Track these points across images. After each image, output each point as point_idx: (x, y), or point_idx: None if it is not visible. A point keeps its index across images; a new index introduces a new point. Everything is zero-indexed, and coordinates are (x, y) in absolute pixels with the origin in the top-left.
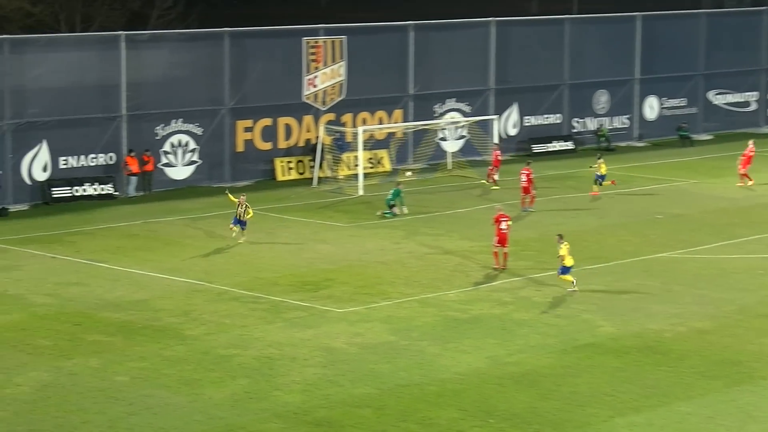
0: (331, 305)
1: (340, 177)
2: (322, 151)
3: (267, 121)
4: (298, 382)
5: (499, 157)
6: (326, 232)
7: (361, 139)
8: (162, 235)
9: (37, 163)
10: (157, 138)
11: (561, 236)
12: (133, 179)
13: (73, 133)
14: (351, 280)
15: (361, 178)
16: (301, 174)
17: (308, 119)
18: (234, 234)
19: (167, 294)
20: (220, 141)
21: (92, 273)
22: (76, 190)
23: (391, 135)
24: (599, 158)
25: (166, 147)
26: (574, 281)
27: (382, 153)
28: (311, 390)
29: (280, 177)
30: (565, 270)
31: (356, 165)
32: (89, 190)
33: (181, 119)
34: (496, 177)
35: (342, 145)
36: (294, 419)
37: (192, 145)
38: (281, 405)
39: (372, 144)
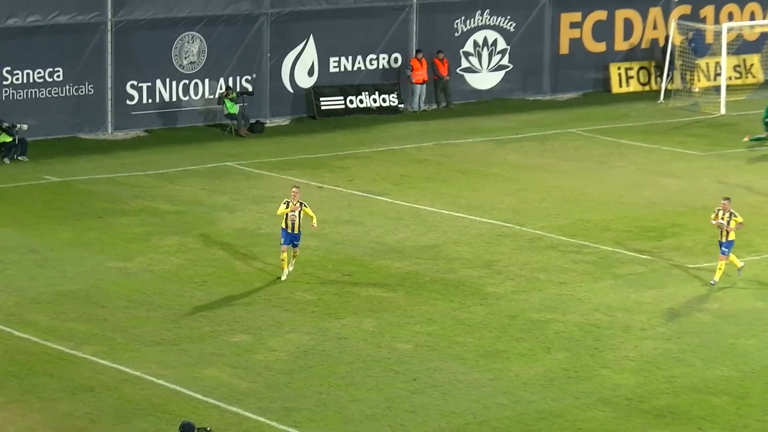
0: (680, 259)
1: (696, 90)
2: (673, 55)
3: (600, 15)
4: (632, 358)
5: None
6: (675, 163)
7: (725, 40)
8: (459, 162)
9: (301, 66)
10: (456, 35)
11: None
12: (423, 88)
13: (347, 26)
14: (706, 227)
15: (723, 91)
16: (643, 85)
17: (655, 12)
18: (284, 273)
19: (464, 238)
20: (538, 40)
21: (369, 208)
22: (350, 101)
23: (765, 35)
24: None
25: (467, 47)
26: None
27: (753, 59)
28: (650, 369)
29: (615, 88)
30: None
31: (718, 74)
32: (367, 101)
33: (487, 11)
34: None
35: (699, 47)
36: (626, 407)
37: (501, 44)
38: (610, 387)
39: (739, 46)
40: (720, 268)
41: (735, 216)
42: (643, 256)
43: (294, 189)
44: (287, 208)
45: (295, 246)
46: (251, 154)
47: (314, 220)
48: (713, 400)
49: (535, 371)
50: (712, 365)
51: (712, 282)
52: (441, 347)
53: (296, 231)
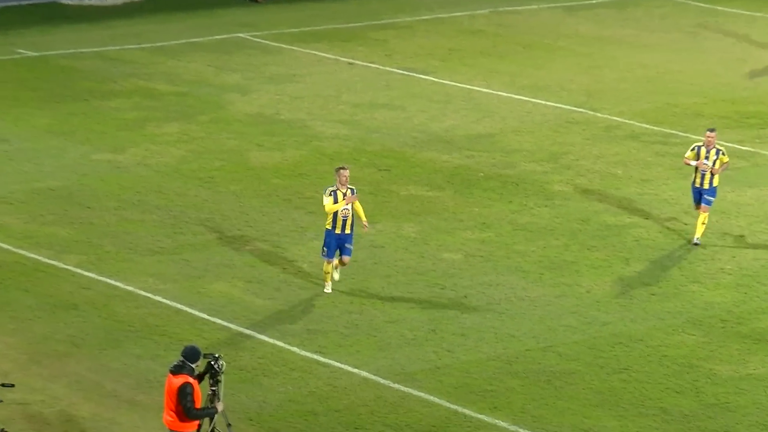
0: None
1: None
2: None
3: None
4: (728, 271)
5: None
6: None
7: None
8: (520, 33)
9: None
10: None
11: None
12: None
13: None
14: None
15: None
16: None
17: None
18: (328, 286)
19: (525, 125)
20: None
21: (410, 89)
22: None
23: None
24: None
25: None
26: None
27: None
28: (750, 285)
29: None
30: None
31: None
32: None
33: None
34: None
35: None
36: (720, 330)
37: None
38: (701, 307)
39: None
40: (703, 223)
41: (723, 153)
42: (744, 148)
43: (342, 171)
44: (336, 202)
45: (346, 253)
46: (268, 24)
47: (364, 218)
48: None
49: (611, 287)
50: None
51: (694, 242)
52: (497, 257)
53: (347, 231)
